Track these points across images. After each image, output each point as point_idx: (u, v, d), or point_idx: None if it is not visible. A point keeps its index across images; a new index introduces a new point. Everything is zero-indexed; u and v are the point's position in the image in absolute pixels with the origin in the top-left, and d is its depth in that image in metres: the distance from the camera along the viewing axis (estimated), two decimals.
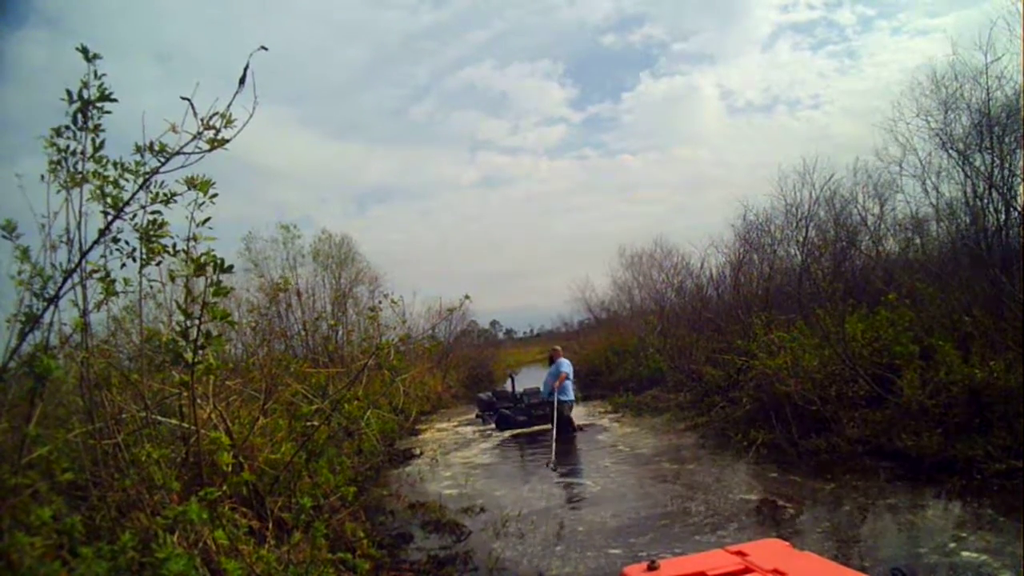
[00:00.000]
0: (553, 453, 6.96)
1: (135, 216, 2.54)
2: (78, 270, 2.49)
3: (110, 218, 2.46)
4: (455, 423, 11.44)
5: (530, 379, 13.98)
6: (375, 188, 72.75)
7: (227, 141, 2.47)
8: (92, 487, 2.59)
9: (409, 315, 12.03)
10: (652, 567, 1.51)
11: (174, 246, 2.59)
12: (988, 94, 6.98)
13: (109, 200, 2.47)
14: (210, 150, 2.48)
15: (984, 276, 6.39)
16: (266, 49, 2.42)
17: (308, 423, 4.18)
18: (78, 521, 2.22)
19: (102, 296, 2.65)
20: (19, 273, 2.47)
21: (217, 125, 2.43)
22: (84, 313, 2.58)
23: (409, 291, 18.47)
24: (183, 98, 2.40)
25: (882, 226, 9.24)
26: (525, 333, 49.86)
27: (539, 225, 70.66)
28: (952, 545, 3.40)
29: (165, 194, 2.55)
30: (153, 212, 2.55)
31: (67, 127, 2.49)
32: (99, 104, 2.45)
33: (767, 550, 1.61)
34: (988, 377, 4.96)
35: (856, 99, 41.97)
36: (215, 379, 3.53)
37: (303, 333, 11.48)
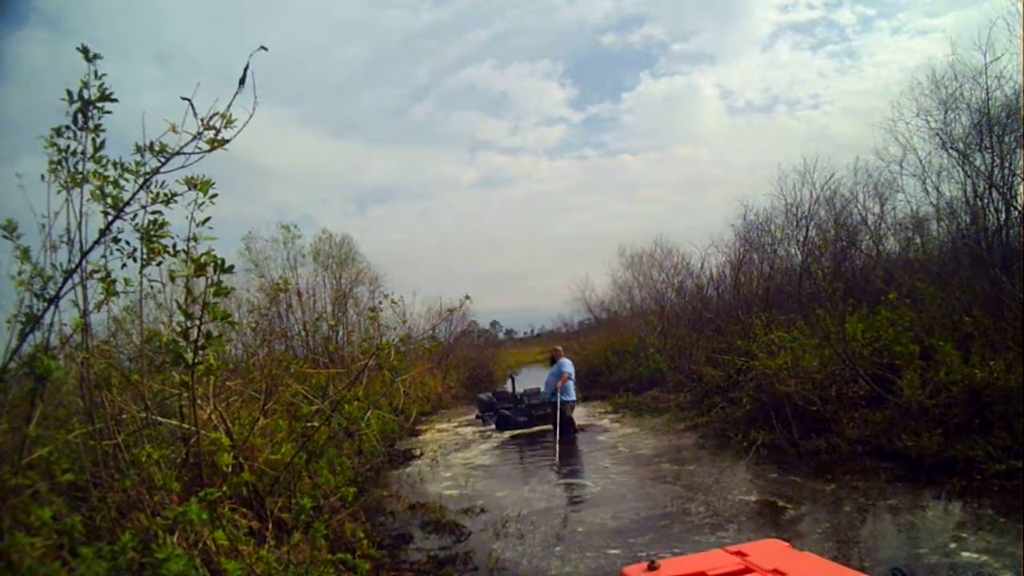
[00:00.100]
0: (557, 455, 6.96)
1: (135, 216, 2.55)
2: (78, 270, 2.49)
3: (110, 218, 2.46)
4: (455, 424, 11.44)
5: (530, 379, 13.99)
6: (375, 188, 72.85)
7: (227, 141, 2.48)
8: (92, 488, 2.59)
9: (409, 315, 12.02)
10: (652, 567, 1.51)
11: (174, 246, 2.59)
12: (988, 94, 6.99)
13: (109, 200, 2.48)
14: (210, 150, 2.48)
15: (984, 276, 6.39)
16: (266, 49, 2.42)
17: (308, 424, 4.18)
18: (78, 521, 2.23)
19: (102, 296, 2.65)
20: (19, 273, 2.48)
21: (217, 125, 2.43)
22: (84, 313, 2.58)
23: (409, 291, 18.45)
24: (183, 98, 2.40)
25: (882, 226, 9.25)
26: (525, 333, 49.90)
27: (539, 225, 70.74)
28: (952, 546, 3.40)
29: (165, 194, 2.55)
30: (153, 212, 2.55)
31: (67, 127, 2.49)
32: (99, 104, 2.45)
33: (767, 550, 1.61)
34: (988, 377, 4.96)
35: (856, 99, 42.01)
36: (215, 380, 3.53)
37: (303, 333, 11.48)
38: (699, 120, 78.73)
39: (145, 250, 2.59)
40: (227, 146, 2.48)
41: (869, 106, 32.98)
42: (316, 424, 4.14)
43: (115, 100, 2.45)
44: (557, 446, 7.28)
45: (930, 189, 8.13)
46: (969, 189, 7.37)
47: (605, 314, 20.95)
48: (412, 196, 67.15)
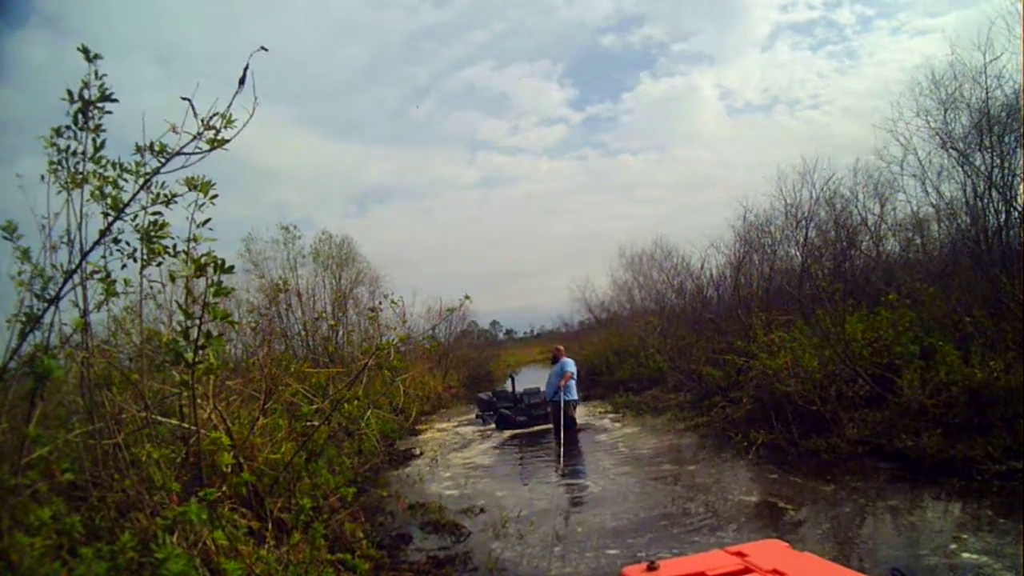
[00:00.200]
0: (560, 456, 6.95)
1: (136, 217, 2.55)
2: (79, 271, 2.49)
3: (111, 219, 2.47)
4: (455, 423, 11.44)
5: (530, 379, 13.98)
6: (375, 188, 73.03)
7: (227, 141, 2.48)
8: (92, 487, 2.59)
9: (409, 315, 12.03)
10: (652, 567, 1.51)
11: (175, 247, 2.59)
12: (987, 94, 7.00)
13: (109, 201, 2.48)
14: (210, 150, 2.48)
15: (984, 276, 6.40)
16: (266, 50, 2.42)
17: (308, 423, 4.18)
18: (78, 521, 2.23)
19: (103, 297, 2.66)
20: (20, 274, 2.48)
21: (217, 125, 2.43)
22: (85, 313, 2.59)
23: (409, 291, 18.52)
24: (183, 98, 2.40)
25: (882, 226, 9.24)
26: (525, 333, 49.83)
27: (539, 225, 70.85)
28: (952, 546, 3.40)
29: (166, 195, 2.56)
30: (154, 213, 2.56)
31: (68, 127, 2.50)
32: (100, 104, 2.46)
33: (767, 551, 1.61)
34: (988, 377, 4.96)
35: (856, 99, 42.09)
36: (215, 379, 3.53)
37: (303, 333, 11.50)
38: (699, 120, 78.89)
39: (145, 251, 2.59)
40: (227, 146, 2.49)
41: (869, 106, 33.05)
42: (316, 424, 4.14)
43: (115, 100, 2.45)
44: (560, 446, 7.26)
45: (930, 189, 8.15)
46: (969, 189, 7.38)
47: (605, 314, 20.94)
48: (412, 196, 67.24)
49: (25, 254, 2.51)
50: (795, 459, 5.70)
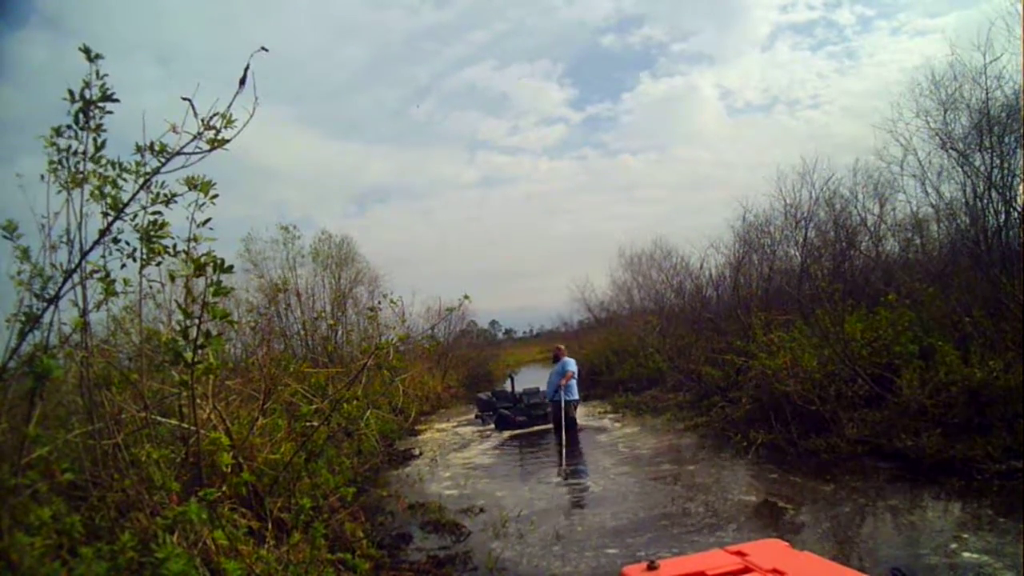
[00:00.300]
0: (563, 457, 6.95)
1: (136, 216, 2.55)
2: (78, 270, 2.49)
3: (110, 219, 2.46)
4: (454, 423, 11.44)
5: (530, 379, 13.98)
6: (375, 188, 73.05)
7: (227, 141, 2.47)
8: (92, 487, 2.59)
9: (408, 315, 12.05)
10: (651, 567, 1.51)
11: (174, 246, 2.59)
12: (987, 94, 7.00)
13: (109, 200, 2.48)
14: (210, 150, 2.47)
15: (984, 276, 6.40)
16: (266, 50, 2.42)
17: (307, 423, 4.18)
18: (78, 521, 2.23)
19: (102, 296, 2.65)
20: (19, 273, 2.48)
21: (217, 125, 2.43)
22: (84, 313, 2.59)
23: (409, 291, 18.46)
24: (183, 98, 2.40)
25: (882, 226, 9.25)
26: (525, 333, 49.81)
27: (539, 225, 70.87)
28: (953, 546, 3.40)
29: (166, 195, 2.55)
30: (154, 213, 2.55)
31: (68, 127, 2.50)
32: (101, 104, 2.45)
33: (766, 550, 1.61)
34: (988, 377, 4.96)
35: (856, 99, 42.15)
36: (215, 379, 3.53)
37: (303, 333, 11.49)
38: (699, 120, 78.96)
39: (145, 250, 2.59)
40: (227, 146, 2.48)
41: (869, 106, 33.09)
42: (315, 424, 4.14)
43: (116, 100, 2.45)
44: (562, 447, 7.26)
45: (930, 190, 8.16)
46: (969, 190, 7.39)
47: (604, 314, 20.92)
48: (412, 196, 67.20)
49: (25, 253, 2.51)
50: (795, 459, 5.70)
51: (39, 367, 2.03)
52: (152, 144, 2.48)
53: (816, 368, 6.28)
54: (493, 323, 38.84)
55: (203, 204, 2.54)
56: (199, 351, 2.34)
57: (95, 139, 2.52)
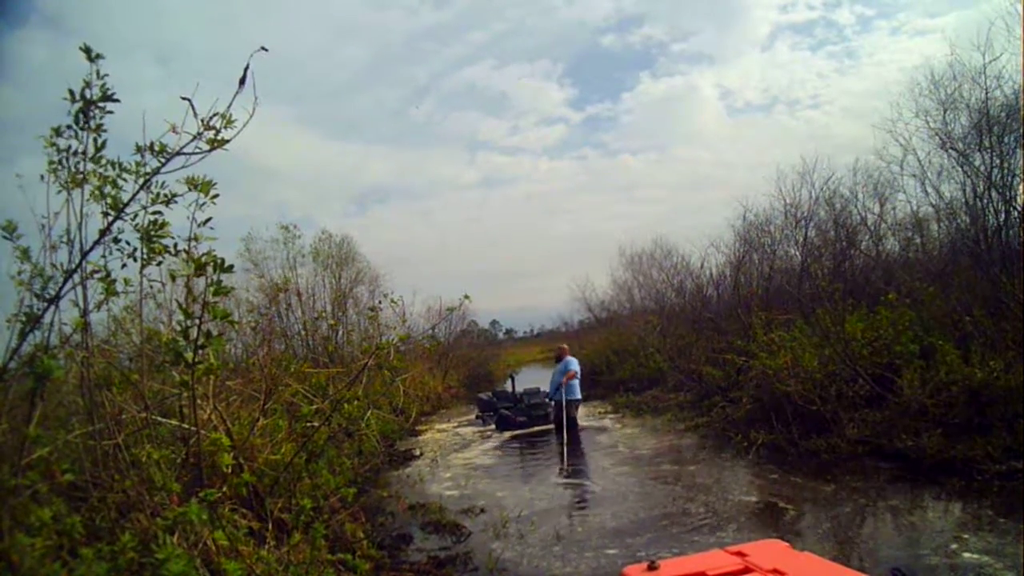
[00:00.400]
0: (564, 457, 6.95)
1: (136, 216, 2.55)
2: (79, 270, 2.49)
3: (111, 219, 2.46)
4: (455, 424, 11.43)
5: (530, 379, 13.98)
6: (375, 188, 73.00)
7: (227, 141, 2.47)
8: (92, 488, 2.59)
9: (409, 315, 12.04)
10: (652, 567, 1.51)
11: (175, 246, 2.59)
12: (987, 94, 7.00)
13: (109, 200, 2.48)
14: (210, 150, 2.47)
15: (984, 276, 6.40)
16: (266, 50, 2.42)
17: (308, 424, 4.18)
18: (78, 522, 2.23)
19: (103, 296, 2.65)
20: (19, 273, 2.48)
21: (217, 125, 2.43)
22: (84, 313, 2.59)
23: (409, 291, 18.47)
24: (183, 98, 2.40)
25: (882, 226, 9.26)
26: (525, 333, 49.80)
27: (539, 225, 70.83)
28: (953, 546, 3.40)
29: (166, 195, 2.55)
30: (154, 212, 2.55)
31: (68, 127, 2.50)
32: (101, 104, 2.45)
33: (767, 550, 1.61)
34: (988, 377, 4.96)
35: (855, 99, 42.13)
36: (215, 379, 3.53)
37: (303, 333, 11.50)
38: (699, 120, 78.94)
39: (145, 250, 2.59)
40: (227, 146, 2.48)
41: (869, 106, 33.06)
42: (316, 424, 4.14)
43: (117, 100, 2.45)
44: (564, 447, 7.25)
45: (930, 189, 8.16)
46: (969, 189, 7.39)
47: (605, 314, 20.93)
48: (412, 196, 67.14)
49: (25, 254, 2.51)
50: (795, 459, 5.70)
51: (40, 367, 2.03)
52: (152, 144, 2.48)
53: (817, 368, 6.28)
54: (494, 323, 38.84)
55: (203, 204, 2.54)
56: (200, 351, 2.34)
57: (95, 139, 2.52)
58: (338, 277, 13.53)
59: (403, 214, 63.01)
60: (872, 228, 9.30)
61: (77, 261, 2.48)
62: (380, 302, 9.03)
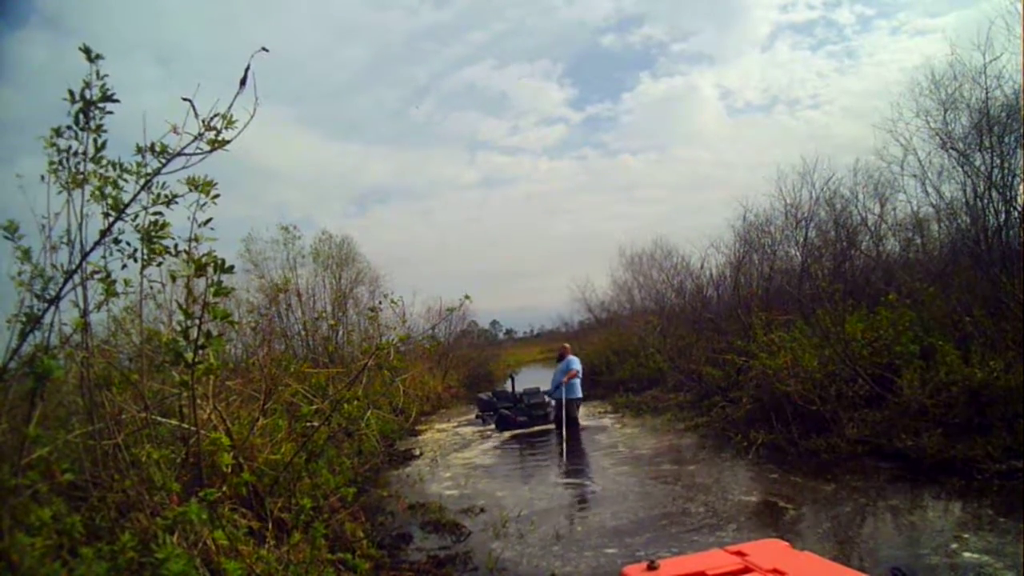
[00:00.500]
0: (564, 455, 6.95)
1: (136, 217, 2.55)
2: (79, 271, 2.49)
3: (111, 219, 2.47)
4: (455, 423, 11.44)
5: (530, 379, 13.97)
6: (375, 188, 73.03)
7: (228, 142, 2.47)
8: (92, 488, 2.59)
9: (409, 315, 12.04)
10: (652, 567, 1.51)
11: (175, 247, 2.59)
12: (987, 94, 7.00)
13: (110, 201, 2.48)
14: (211, 151, 2.47)
15: (984, 276, 6.40)
16: (267, 50, 2.42)
17: (308, 423, 4.18)
18: (78, 521, 2.23)
19: (103, 297, 2.65)
20: (20, 274, 2.48)
21: (218, 126, 2.43)
22: (85, 313, 2.59)
23: (409, 291, 18.47)
24: (184, 99, 2.40)
25: (882, 226, 9.26)
26: (525, 333, 49.80)
27: (539, 225, 70.86)
28: (953, 546, 3.40)
29: (166, 195, 2.55)
30: (155, 213, 2.55)
31: (68, 127, 2.50)
32: (101, 104, 2.45)
33: (767, 550, 1.61)
34: (988, 377, 4.96)
35: (856, 99, 42.15)
36: (215, 379, 3.53)
37: (303, 333, 11.50)
38: (699, 120, 78.91)
39: (146, 251, 2.59)
40: (228, 147, 2.48)
41: (869, 106, 33.09)
42: (316, 424, 4.14)
43: (117, 101, 2.45)
44: (564, 445, 7.25)
45: (930, 190, 8.17)
46: (969, 189, 7.40)
47: (605, 314, 20.94)
48: (412, 196, 67.15)
49: (25, 254, 2.51)
50: (795, 459, 5.70)
51: (40, 367, 2.04)
52: (153, 145, 2.49)
53: (817, 368, 6.28)
54: (494, 323, 38.89)
55: (204, 204, 2.54)
56: (200, 351, 2.34)
57: (95, 139, 2.52)
58: (338, 277, 13.54)
59: (403, 214, 63.06)
60: (872, 228, 9.31)
61: (77, 262, 2.48)
62: (380, 302, 9.05)
